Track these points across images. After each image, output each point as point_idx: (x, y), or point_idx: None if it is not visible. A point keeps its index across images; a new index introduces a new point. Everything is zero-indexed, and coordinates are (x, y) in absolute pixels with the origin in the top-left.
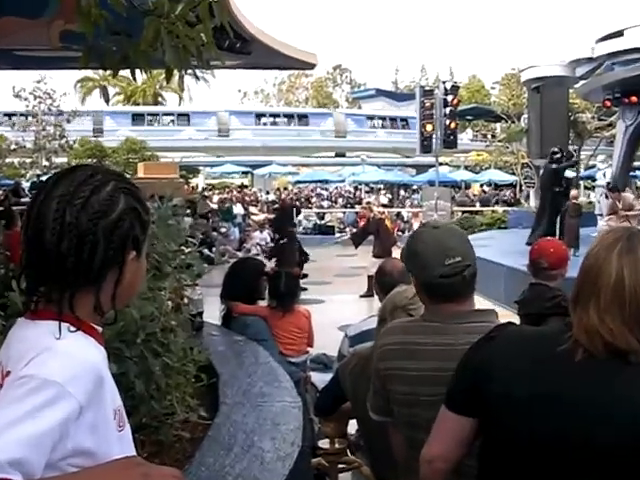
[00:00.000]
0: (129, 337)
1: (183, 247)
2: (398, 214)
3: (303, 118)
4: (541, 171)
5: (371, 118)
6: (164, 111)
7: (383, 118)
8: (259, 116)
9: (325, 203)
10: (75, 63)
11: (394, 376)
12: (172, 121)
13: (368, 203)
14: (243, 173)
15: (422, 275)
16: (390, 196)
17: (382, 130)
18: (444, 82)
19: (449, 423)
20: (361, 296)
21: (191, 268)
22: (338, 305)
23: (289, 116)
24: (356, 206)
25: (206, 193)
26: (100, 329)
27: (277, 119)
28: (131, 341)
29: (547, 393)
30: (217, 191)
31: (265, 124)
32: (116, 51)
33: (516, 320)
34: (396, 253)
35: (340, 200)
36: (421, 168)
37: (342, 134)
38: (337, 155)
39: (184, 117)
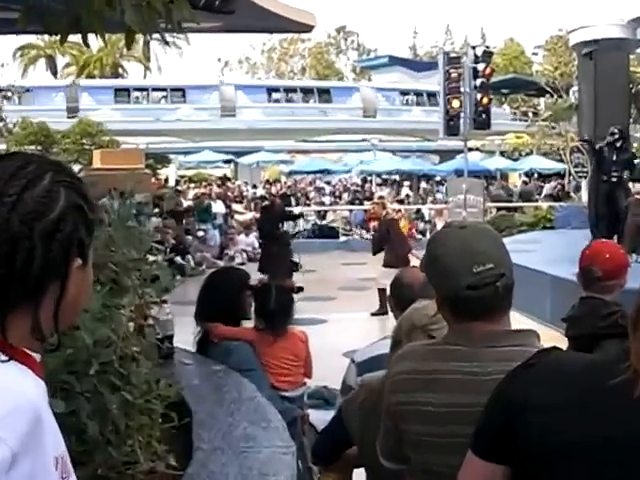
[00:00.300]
0: (80, 367)
1: (148, 255)
2: (418, 212)
3: (324, 94)
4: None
5: (405, 93)
6: (154, 85)
7: (419, 93)
8: (271, 91)
9: (327, 199)
10: (13, 27)
11: (409, 412)
12: (164, 97)
13: (381, 198)
14: (225, 162)
15: (445, 286)
16: (409, 190)
17: (418, 108)
18: (474, 47)
19: (476, 472)
20: (372, 314)
21: (158, 281)
22: (343, 326)
23: (307, 91)
24: (365, 202)
25: (179, 187)
26: (38, 357)
27: (293, 95)
28: (82, 372)
29: (598, 437)
30: (193, 185)
31: (278, 100)
32: (64, 11)
33: (563, 343)
34: (415, 262)
35: (345, 195)
36: (446, 154)
37: (371, 113)
38: (365, 140)
39: (179, 93)
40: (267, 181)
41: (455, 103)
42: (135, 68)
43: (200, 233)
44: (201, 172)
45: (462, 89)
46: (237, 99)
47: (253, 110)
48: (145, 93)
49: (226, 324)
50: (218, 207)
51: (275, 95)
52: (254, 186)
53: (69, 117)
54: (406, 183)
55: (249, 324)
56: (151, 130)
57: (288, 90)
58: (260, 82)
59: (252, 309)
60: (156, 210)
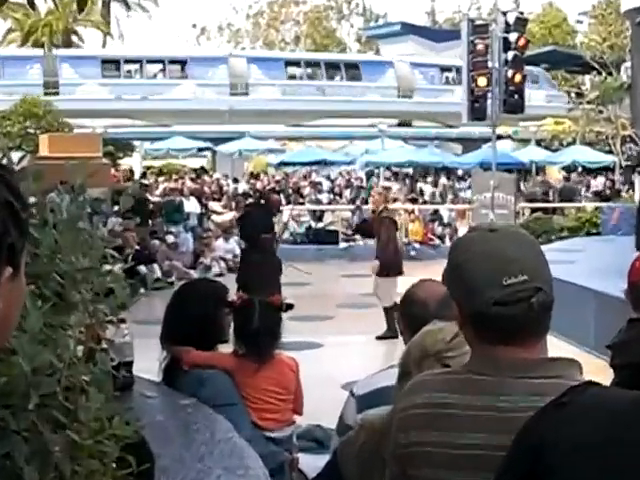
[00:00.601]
0: (16, 400)
1: (103, 263)
2: (435, 213)
3: (353, 69)
4: None
5: (447, 70)
6: (149, 57)
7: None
8: (290, 66)
9: (324, 197)
10: None
11: (419, 455)
12: (162, 71)
13: (387, 189)
14: (200, 150)
15: (468, 301)
16: (434, 186)
17: (461, 88)
18: (505, 13)
19: None
20: (378, 338)
21: (114, 295)
22: (342, 351)
23: (333, 66)
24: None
25: (145, 181)
26: None
27: (315, 69)
28: (19, 406)
29: None
30: (162, 178)
31: (300, 77)
32: None
33: (610, 374)
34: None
35: (347, 192)
36: (470, 144)
37: (408, 93)
38: (401, 124)
39: (178, 65)
40: (251, 174)
41: (481, 81)
42: (92, 35)
43: (169, 237)
44: (171, 163)
45: (490, 64)
46: (250, 74)
47: (269, 88)
48: (139, 65)
49: (199, 348)
50: (191, 205)
51: (293, 70)
52: (235, 180)
53: (47, 94)
54: (428, 180)
55: (227, 349)
56: (148, 111)
57: (310, 63)
58: (277, 54)
59: (231, 330)
60: (116, 208)
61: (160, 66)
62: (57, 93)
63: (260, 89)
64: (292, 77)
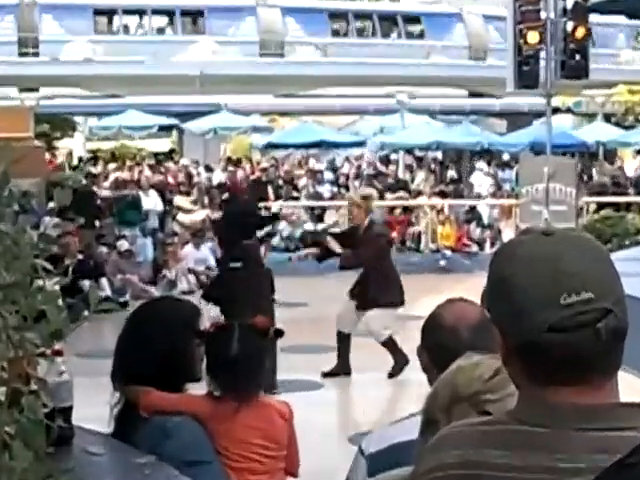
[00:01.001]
0: None
1: (32, 278)
2: (471, 210)
3: (413, 23)
4: None
5: None
6: (154, 6)
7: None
8: (334, 18)
9: (326, 189)
10: None
11: None
12: (170, 25)
13: (366, 198)
14: (162, 129)
15: (515, 326)
16: (457, 175)
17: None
18: None
19: None
20: (391, 375)
21: (46, 320)
22: (348, 393)
23: (387, 18)
24: (387, 195)
25: (91, 169)
26: None
27: (365, 22)
28: None
29: None
30: (112, 165)
31: (345, 34)
32: None
33: None
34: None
35: (356, 184)
36: (517, 119)
37: (481, 54)
38: (473, 95)
39: (193, 17)
40: (229, 160)
41: (532, 37)
42: None
43: (122, 243)
44: (125, 145)
45: (543, 14)
46: (287, 30)
47: (308, 49)
48: (141, 16)
49: (162, 389)
50: (151, 201)
51: (338, 24)
52: (208, 168)
53: (22, 54)
54: (460, 166)
55: (199, 389)
56: (156, 76)
57: (360, 15)
58: (318, 4)
59: (204, 365)
60: (51, 205)
61: (169, 18)
62: (37, 54)
63: (298, 50)
64: (336, 33)
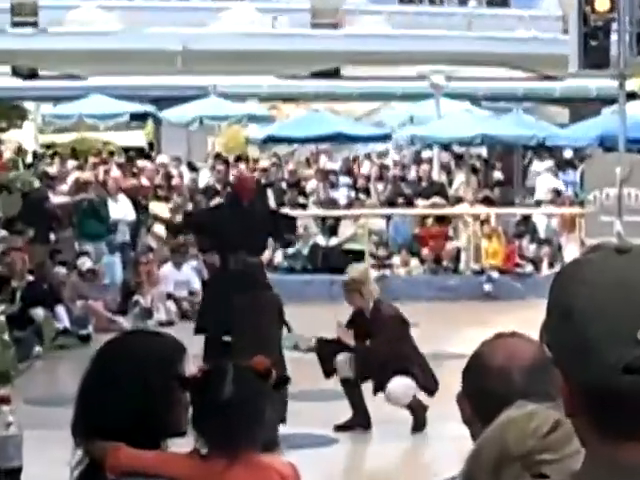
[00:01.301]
0: None
1: None
2: (524, 221)
3: None
4: None
5: None
6: None
7: None
8: None
9: (341, 194)
10: None
11: None
12: None
13: (354, 281)
14: (135, 118)
15: (581, 367)
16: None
17: None
18: None
19: None
20: (416, 429)
21: None
22: (366, 450)
23: None
24: (419, 201)
25: (46, 168)
26: None
27: None
28: None
29: None
30: (72, 163)
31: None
32: None
33: None
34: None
35: (380, 187)
36: (582, 107)
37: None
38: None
39: None
40: (218, 157)
41: (601, 4)
42: None
43: (84, 261)
44: (87, 138)
45: None
46: None
47: (374, 18)
48: None
49: (136, 445)
50: (121, 209)
51: None
52: (192, 167)
53: (16, 23)
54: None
55: (182, 447)
56: (127, 52)
57: None
58: None
59: (189, 416)
60: None
61: None
62: (35, 23)
63: (358, 20)
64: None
